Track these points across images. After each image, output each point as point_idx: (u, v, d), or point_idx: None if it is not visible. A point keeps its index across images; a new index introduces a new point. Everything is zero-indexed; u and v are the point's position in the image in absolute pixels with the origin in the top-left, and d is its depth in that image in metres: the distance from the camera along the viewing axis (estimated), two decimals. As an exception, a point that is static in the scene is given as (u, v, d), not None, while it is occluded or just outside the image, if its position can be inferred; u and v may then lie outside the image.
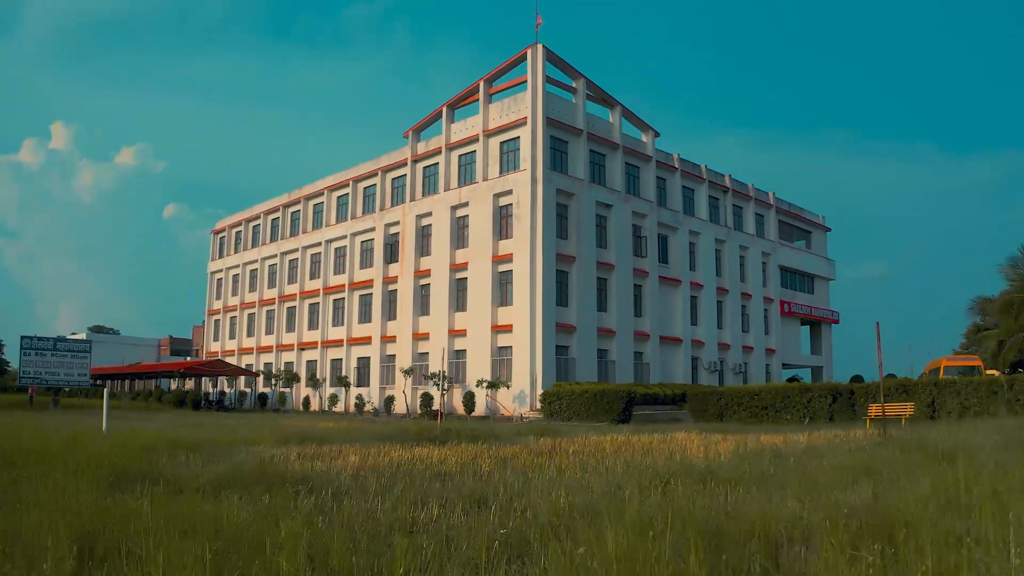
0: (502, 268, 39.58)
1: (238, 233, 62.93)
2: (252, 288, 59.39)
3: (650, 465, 9.97)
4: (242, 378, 54.88)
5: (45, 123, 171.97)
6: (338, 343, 49.02)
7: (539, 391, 36.00)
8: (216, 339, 63.42)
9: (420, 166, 45.72)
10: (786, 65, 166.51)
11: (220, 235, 65.32)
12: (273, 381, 50.96)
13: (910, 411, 22.88)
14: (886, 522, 5.18)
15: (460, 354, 40.90)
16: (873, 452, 10.87)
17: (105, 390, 16.95)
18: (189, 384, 58.88)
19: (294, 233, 55.71)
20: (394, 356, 44.63)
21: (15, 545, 4.91)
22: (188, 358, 77.45)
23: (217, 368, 51.56)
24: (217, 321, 63.67)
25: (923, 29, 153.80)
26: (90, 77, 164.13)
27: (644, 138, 45.57)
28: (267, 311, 57.29)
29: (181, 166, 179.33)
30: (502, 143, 40.79)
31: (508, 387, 37.41)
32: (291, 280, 55.08)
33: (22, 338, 40.89)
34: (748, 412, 28.29)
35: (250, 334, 58.69)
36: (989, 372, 34.75)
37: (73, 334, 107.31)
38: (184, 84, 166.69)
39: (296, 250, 54.49)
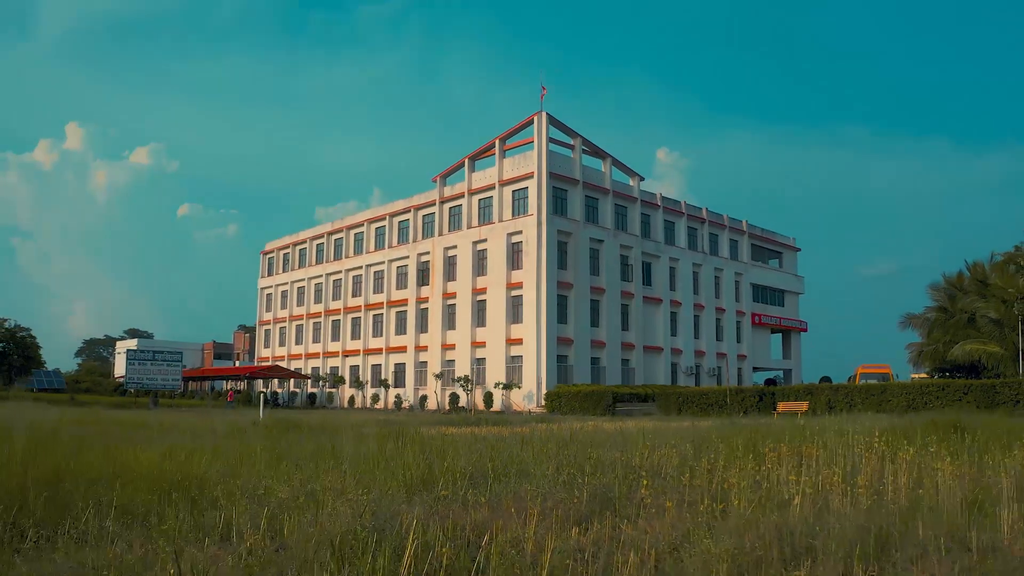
0: (514, 293, 49.19)
1: (286, 255, 72.89)
2: (300, 303, 69.23)
3: (582, 431, 19.48)
4: (290, 380, 64.68)
5: (60, 123, 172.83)
6: (378, 351, 58.77)
7: (544, 391, 45.51)
8: (267, 346, 73.38)
9: (446, 206, 55.39)
10: (799, 62, 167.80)
11: (269, 255, 75.33)
12: (321, 383, 60.87)
13: (804, 408, 32.21)
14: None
15: (480, 361, 50.52)
16: (692, 430, 20.27)
17: (261, 394, 26.25)
18: (241, 386, 68.72)
19: (337, 257, 65.51)
20: (426, 362, 54.31)
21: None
22: (237, 363, 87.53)
23: (276, 372, 61.39)
24: (267, 330, 73.66)
25: (936, 23, 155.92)
26: (104, 77, 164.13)
27: (631, 183, 55.00)
28: (314, 323, 67.14)
29: (195, 165, 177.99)
30: (514, 191, 50.38)
31: (519, 388, 47.05)
32: (335, 297, 64.87)
33: (128, 351, 50.95)
34: (699, 407, 37.64)
35: (298, 342, 68.55)
36: (922, 375, 44.31)
37: (107, 336, 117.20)
38: (197, 83, 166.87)
39: (340, 272, 64.29)
